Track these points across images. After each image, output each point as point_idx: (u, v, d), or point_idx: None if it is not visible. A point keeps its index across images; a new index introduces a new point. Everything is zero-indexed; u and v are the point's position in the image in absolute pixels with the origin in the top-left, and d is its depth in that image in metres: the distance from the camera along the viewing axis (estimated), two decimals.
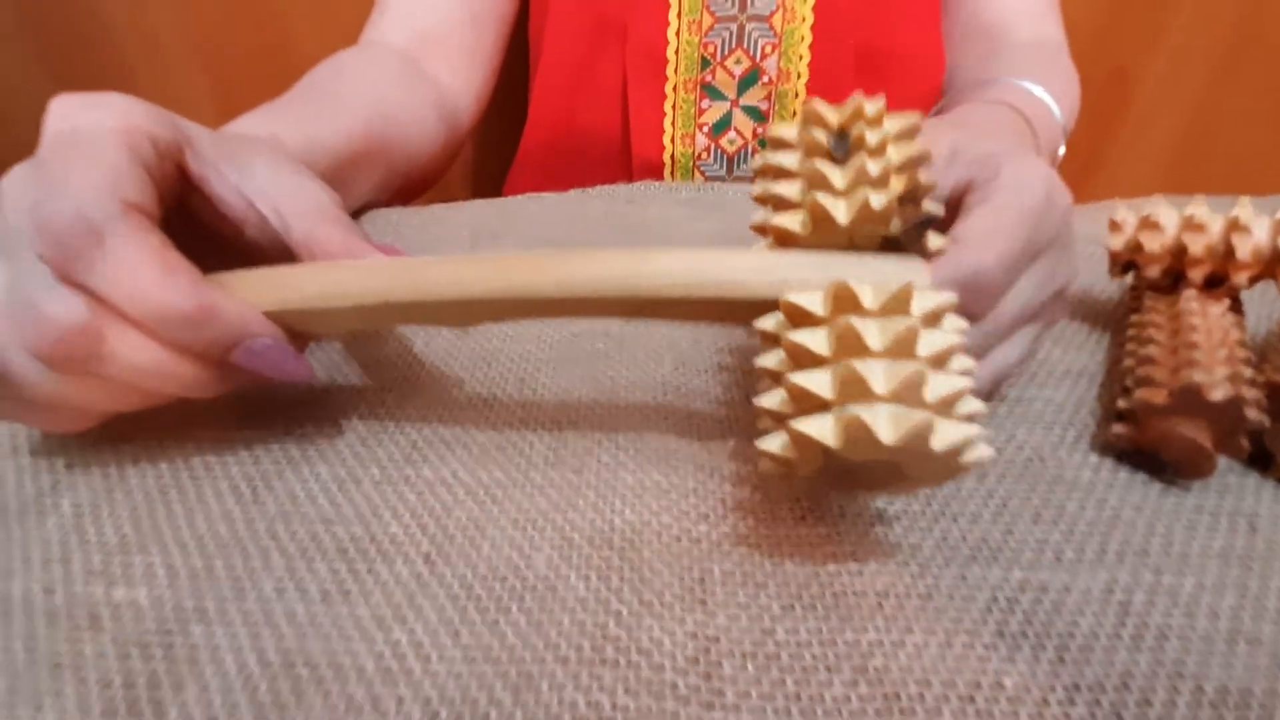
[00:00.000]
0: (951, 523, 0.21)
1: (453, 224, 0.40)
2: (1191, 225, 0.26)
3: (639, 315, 0.20)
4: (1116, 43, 0.72)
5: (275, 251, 0.23)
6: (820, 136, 0.21)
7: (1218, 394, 0.21)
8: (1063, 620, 0.18)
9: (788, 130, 0.22)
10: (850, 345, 0.17)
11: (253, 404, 0.25)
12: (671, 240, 0.37)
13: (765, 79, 0.51)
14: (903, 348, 0.17)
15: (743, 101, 0.51)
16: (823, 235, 0.20)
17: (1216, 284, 0.26)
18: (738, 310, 0.20)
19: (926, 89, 0.53)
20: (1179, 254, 0.26)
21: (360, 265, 0.21)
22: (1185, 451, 0.22)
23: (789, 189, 0.21)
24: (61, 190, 0.18)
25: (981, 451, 0.17)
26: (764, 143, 0.51)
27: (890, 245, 0.20)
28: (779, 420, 0.18)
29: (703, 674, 0.17)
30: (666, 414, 0.25)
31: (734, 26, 0.50)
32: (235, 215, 0.23)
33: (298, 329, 0.21)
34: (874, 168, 0.19)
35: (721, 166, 0.53)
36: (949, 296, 0.18)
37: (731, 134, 0.52)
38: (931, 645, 0.18)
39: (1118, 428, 0.23)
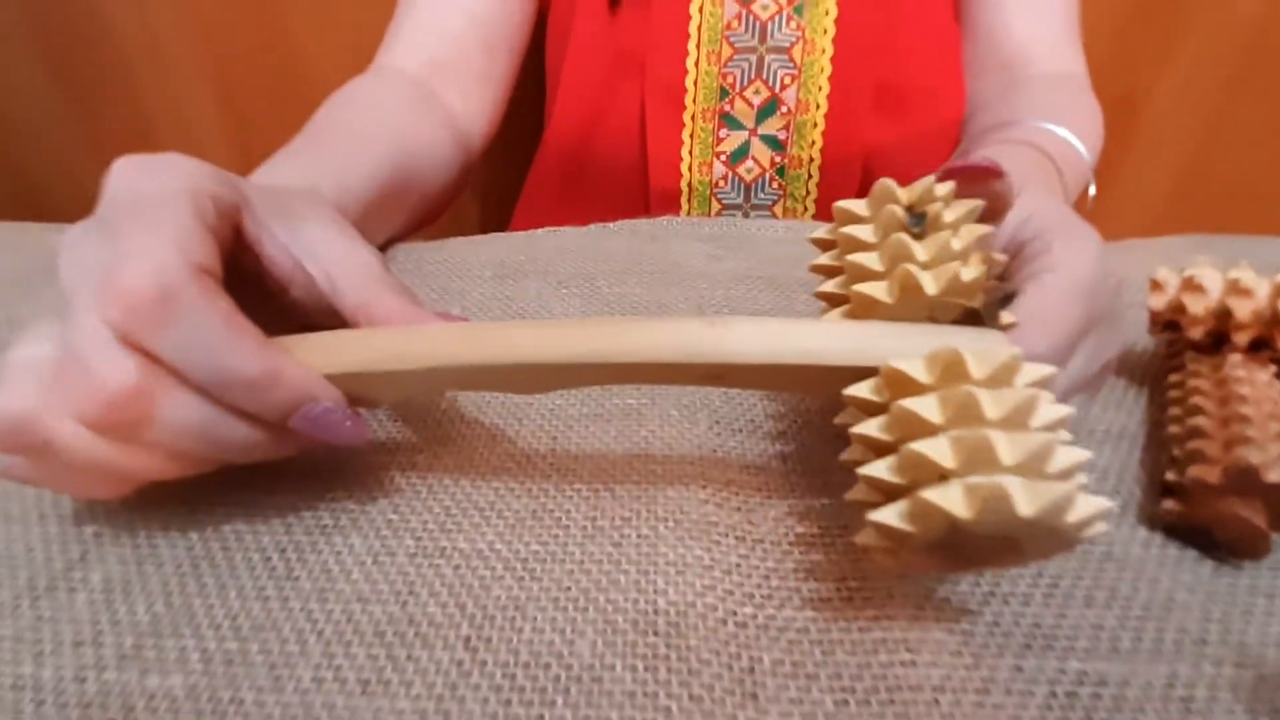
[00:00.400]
0: (1003, 605, 0.20)
1: (475, 260, 0.39)
2: (1237, 289, 0.25)
3: (717, 384, 0.20)
4: (1124, 68, 0.73)
5: (318, 313, 0.23)
6: (897, 212, 0.21)
7: (1274, 475, 0.21)
8: (1124, 718, 0.18)
9: (857, 205, 0.22)
10: (967, 414, 0.16)
11: (282, 466, 0.24)
12: (696, 278, 0.37)
13: (784, 109, 0.51)
14: (1019, 418, 0.16)
15: (761, 131, 0.51)
16: (906, 306, 0.20)
17: (1260, 347, 0.26)
18: (821, 379, 0.19)
19: (946, 122, 0.52)
20: (1223, 317, 0.26)
21: (426, 329, 0.21)
22: (1240, 531, 0.21)
23: (870, 259, 0.21)
24: (133, 253, 0.18)
25: (1099, 527, 0.17)
26: (784, 172, 0.51)
27: (967, 319, 0.20)
28: (885, 489, 0.18)
29: None
30: (704, 479, 0.24)
31: (753, 58, 0.50)
32: (283, 276, 0.22)
33: (355, 394, 0.21)
34: (956, 243, 0.20)
35: (739, 195, 0.52)
36: (1049, 370, 0.18)
37: (749, 163, 0.52)
38: None
39: (1168, 503, 0.22)
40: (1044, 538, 0.16)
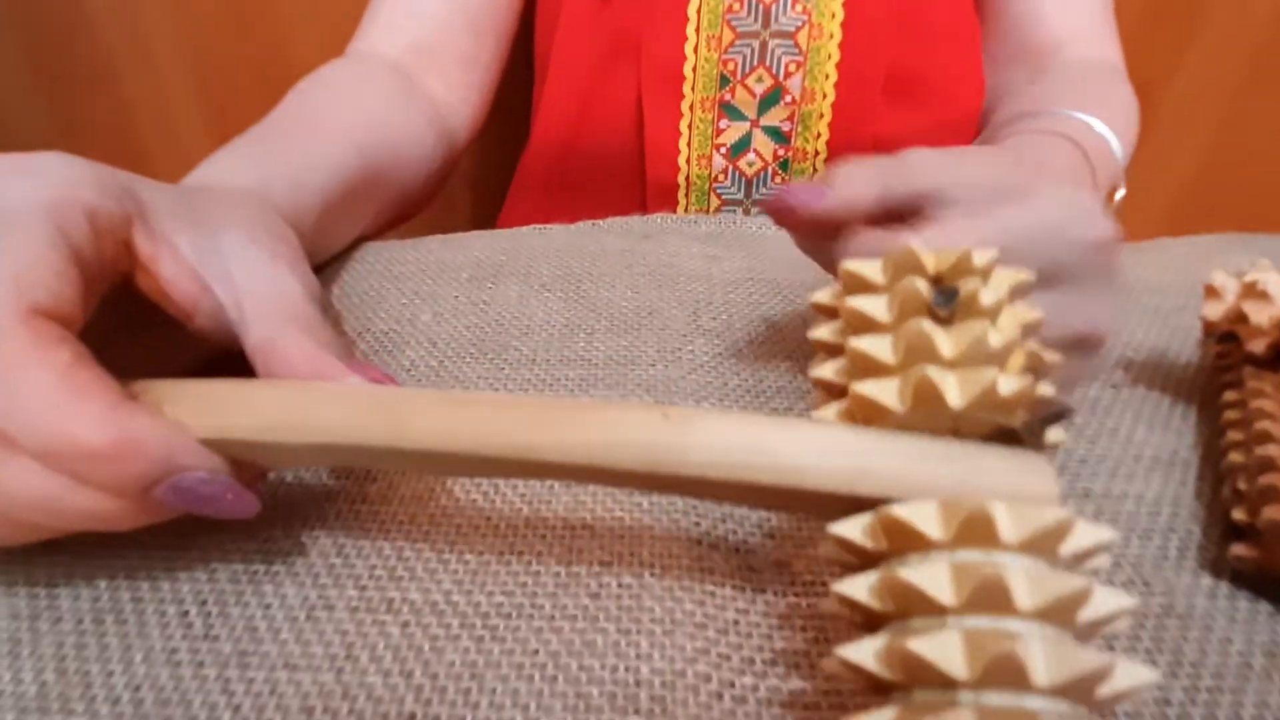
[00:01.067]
0: None
1: (451, 261, 0.36)
2: None
3: (670, 492, 0.17)
4: (1141, 59, 0.70)
5: (230, 341, 0.20)
6: (920, 286, 0.16)
7: None
8: None
9: (870, 269, 0.17)
10: (989, 598, 0.12)
11: None
12: (692, 280, 0.34)
13: (788, 99, 0.47)
14: (1063, 613, 0.12)
15: (763, 122, 0.48)
16: (922, 416, 0.16)
17: None
18: (804, 501, 0.16)
19: (963, 114, 0.49)
20: None
21: (330, 391, 0.18)
22: None
23: (879, 347, 0.16)
24: None
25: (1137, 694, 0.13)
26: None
27: (1001, 438, 0.16)
28: (874, 682, 0.14)
29: None
30: (697, 513, 0.21)
31: (756, 43, 0.47)
32: (185, 300, 0.19)
33: (245, 459, 0.18)
34: (995, 338, 0.15)
35: (739, 189, 0.49)
36: (1107, 535, 0.14)
37: (750, 156, 0.49)
38: None
39: (1238, 548, 0.19)
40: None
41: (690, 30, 0.47)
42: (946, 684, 0.12)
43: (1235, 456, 0.22)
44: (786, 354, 0.29)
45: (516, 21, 0.52)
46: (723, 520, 0.21)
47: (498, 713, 0.16)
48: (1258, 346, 0.24)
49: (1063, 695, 0.12)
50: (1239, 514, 0.20)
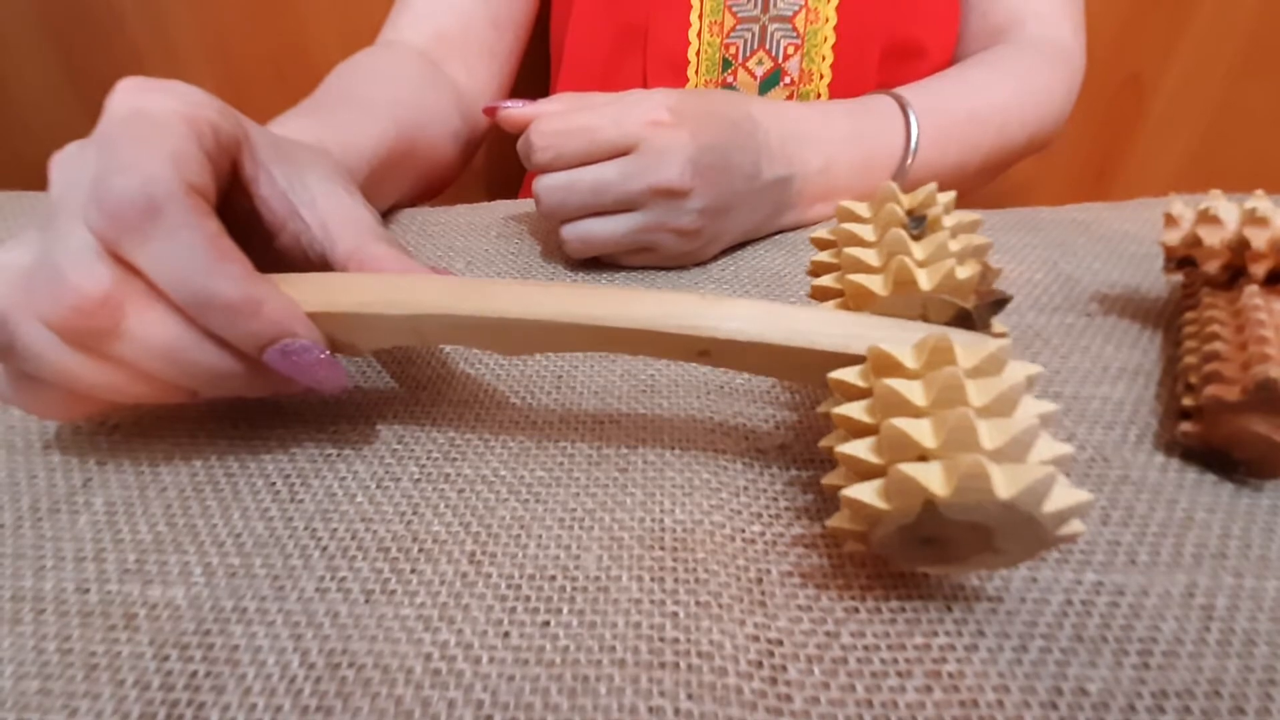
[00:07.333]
0: None
1: (479, 222, 0.39)
2: (1254, 219, 0.25)
3: (703, 360, 0.20)
4: (1132, 49, 0.72)
5: (306, 263, 0.23)
6: (899, 212, 0.21)
7: None
8: (1143, 624, 0.17)
9: (859, 205, 0.22)
10: (950, 398, 0.16)
11: (285, 404, 0.24)
12: None
13: (787, 80, 0.50)
14: (1002, 407, 0.16)
15: None
16: (900, 301, 0.19)
17: (1277, 280, 0.25)
18: (809, 364, 0.19)
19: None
20: (1240, 249, 0.25)
21: (416, 278, 0.21)
22: (1259, 449, 0.21)
23: (868, 255, 0.21)
24: (125, 165, 0.18)
25: (1076, 526, 0.16)
26: None
27: (959, 322, 0.19)
28: (863, 472, 0.17)
29: (768, 678, 0.16)
30: (711, 411, 0.24)
31: (756, 28, 0.50)
32: (275, 219, 0.22)
33: (338, 338, 0.21)
34: (954, 245, 0.19)
35: None
36: (1036, 368, 0.17)
37: None
38: (1006, 649, 0.17)
39: (1185, 426, 0.22)
40: (1021, 531, 0.15)
41: (694, 17, 0.50)
42: (921, 457, 0.16)
43: (1189, 359, 0.24)
44: (787, 296, 0.32)
45: (533, 16, 0.55)
46: (733, 416, 0.24)
47: (544, 551, 0.19)
48: (1213, 268, 0.26)
49: (1005, 458, 0.15)
50: (1188, 400, 0.23)
